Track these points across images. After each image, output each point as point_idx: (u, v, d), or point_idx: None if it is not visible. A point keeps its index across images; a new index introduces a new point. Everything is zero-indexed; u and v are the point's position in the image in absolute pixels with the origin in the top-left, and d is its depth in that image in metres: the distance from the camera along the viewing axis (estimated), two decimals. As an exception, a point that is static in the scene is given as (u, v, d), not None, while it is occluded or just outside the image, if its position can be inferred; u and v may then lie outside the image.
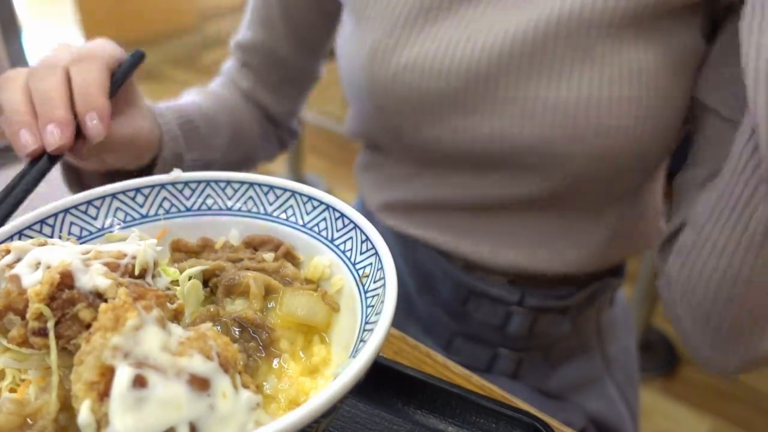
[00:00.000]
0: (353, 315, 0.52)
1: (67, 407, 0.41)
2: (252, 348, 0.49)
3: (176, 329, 0.41)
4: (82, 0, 4.17)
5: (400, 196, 0.97)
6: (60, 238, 0.56)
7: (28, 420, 0.40)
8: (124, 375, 0.36)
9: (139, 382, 0.36)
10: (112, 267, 0.45)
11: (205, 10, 5.07)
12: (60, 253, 0.44)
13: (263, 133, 1.08)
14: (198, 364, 0.38)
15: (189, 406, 0.37)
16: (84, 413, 0.35)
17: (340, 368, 0.45)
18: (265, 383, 0.48)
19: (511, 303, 0.95)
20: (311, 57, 1.08)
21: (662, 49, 0.76)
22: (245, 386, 0.41)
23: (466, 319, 0.97)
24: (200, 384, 0.38)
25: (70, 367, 0.43)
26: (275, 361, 0.50)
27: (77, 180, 0.83)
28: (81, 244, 0.54)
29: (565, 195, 0.86)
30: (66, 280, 0.42)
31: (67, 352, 0.43)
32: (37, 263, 0.44)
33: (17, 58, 1.95)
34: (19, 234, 0.54)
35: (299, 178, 3.07)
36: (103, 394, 0.36)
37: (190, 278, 0.53)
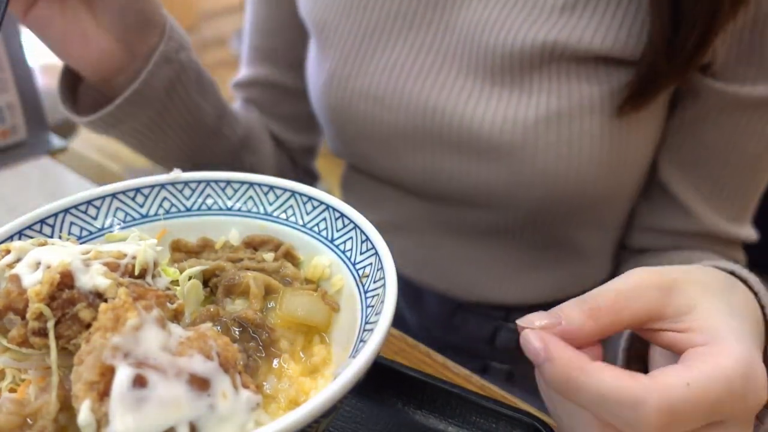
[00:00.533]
0: (353, 315, 0.52)
1: (66, 407, 0.41)
2: (252, 348, 0.49)
3: (176, 329, 0.41)
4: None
5: (375, 217, 0.95)
6: (60, 238, 0.56)
7: (28, 420, 0.40)
8: (124, 375, 0.36)
9: (139, 382, 0.36)
10: (112, 267, 0.45)
11: (204, 10, 5.06)
12: (60, 253, 0.44)
13: (277, 164, 1.05)
14: (198, 364, 0.38)
15: (189, 406, 0.37)
16: (84, 413, 0.35)
17: (339, 368, 0.45)
18: (265, 383, 0.48)
19: (498, 318, 0.95)
20: None
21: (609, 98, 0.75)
22: (245, 386, 0.41)
23: (454, 332, 0.96)
24: (200, 384, 0.38)
25: (70, 367, 0.43)
26: (275, 361, 0.50)
27: (72, 87, 0.79)
28: (81, 244, 0.54)
29: (528, 229, 0.85)
30: (66, 280, 0.42)
31: (67, 352, 0.43)
32: (37, 263, 0.44)
33: (17, 59, 1.95)
34: (19, 234, 0.54)
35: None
36: (103, 394, 0.35)
37: (190, 278, 0.53)
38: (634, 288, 0.45)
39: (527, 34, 0.73)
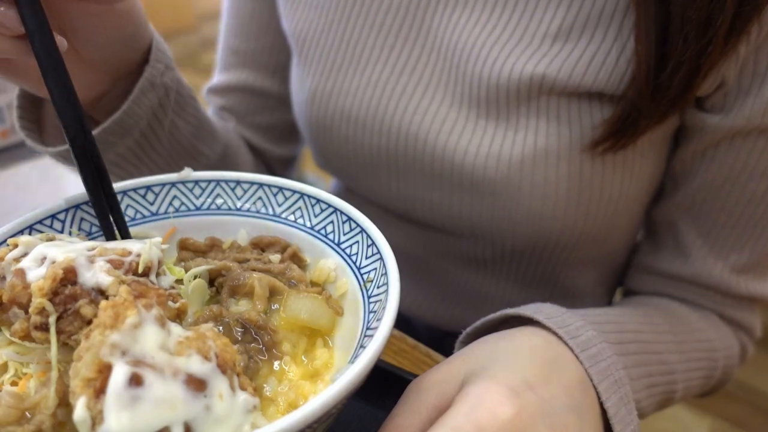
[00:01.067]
0: (356, 319, 0.52)
1: (65, 402, 0.41)
2: (254, 349, 0.49)
3: (176, 328, 0.41)
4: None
5: None
6: (70, 233, 0.57)
7: (27, 414, 0.40)
8: (120, 373, 0.36)
9: (135, 381, 0.36)
10: (116, 264, 0.45)
11: (204, 10, 5.07)
12: (65, 249, 0.45)
13: (254, 161, 0.99)
14: (196, 364, 0.38)
15: (184, 406, 0.37)
16: (79, 409, 0.35)
17: (338, 373, 0.45)
18: (265, 385, 0.48)
19: None
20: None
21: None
22: (242, 388, 0.41)
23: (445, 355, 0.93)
24: (197, 384, 0.38)
25: (70, 362, 0.44)
26: (276, 364, 0.50)
27: (33, 109, 0.70)
28: (89, 240, 0.55)
29: (515, 263, 0.82)
30: (69, 276, 0.43)
31: (69, 347, 0.44)
32: (43, 258, 0.44)
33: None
34: (30, 228, 0.54)
35: (300, 178, 3.06)
36: (99, 391, 0.36)
37: (195, 277, 0.53)
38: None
39: (515, 64, 0.68)
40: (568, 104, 0.68)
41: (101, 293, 0.43)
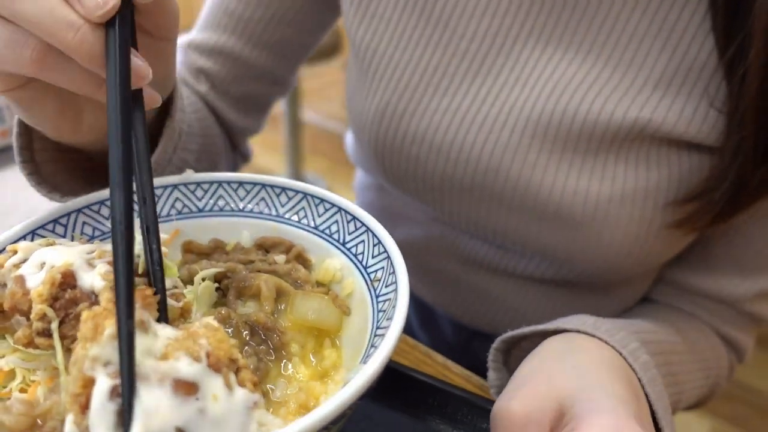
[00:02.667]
0: (364, 319, 0.52)
1: None
2: (262, 351, 0.49)
3: (165, 330, 0.40)
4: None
5: (399, 233, 0.91)
6: (72, 238, 0.56)
7: (38, 421, 0.40)
8: (102, 386, 0.35)
9: (117, 393, 0.35)
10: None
11: None
12: (64, 253, 0.44)
13: (224, 146, 0.92)
14: (184, 367, 0.37)
15: (174, 412, 0.35)
16: (68, 427, 0.35)
17: (350, 374, 0.45)
18: (273, 387, 0.47)
19: None
20: (289, 68, 0.94)
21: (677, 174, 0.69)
22: (241, 384, 0.39)
23: (470, 358, 0.90)
24: (186, 388, 0.36)
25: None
26: (285, 365, 0.49)
27: (28, 145, 0.62)
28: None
29: (573, 278, 0.82)
30: (68, 280, 0.42)
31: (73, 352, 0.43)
32: (42, 263, 0.44)
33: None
34: (32, 233, 0.54)
35: (299, 178, 3.06)
36: (84, 407, 0.35)
37: (204, 280, 0.53)
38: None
39: (616, 108, 0.66)
40: (668, 152, 0.68)
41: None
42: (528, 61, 0.71)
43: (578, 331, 0.59)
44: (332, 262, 0.57)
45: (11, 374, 0.45)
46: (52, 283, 0.41)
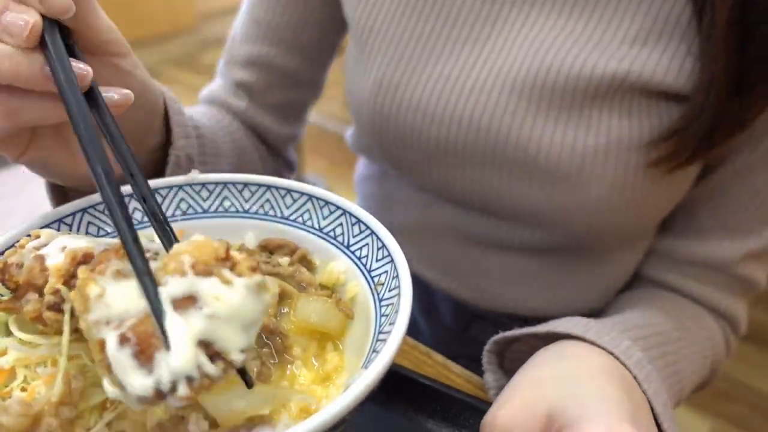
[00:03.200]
0: (367, 323, 0.51)
1: (69, 401, 0.41)
2: (265, 354, 0.49)
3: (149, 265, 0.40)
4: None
5: (400, 219, 0.94)
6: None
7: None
8: (111, 342, 0.36)
9: (124, 341, 0.36)
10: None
11: (205, 10, 5.06)
12: (86, 241, 0.45)
13: (263, 162, 0.97)
14: (174, 287, 0.37)
15: (188, 327, 0.36)
16: (108, 389, 0.37)
17: (352, 379, 0.45)
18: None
19: (516, 327, 0.93)
20: (320, 68, 0.98)
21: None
22: (239, 275, 0.39)
23: (469, 342, 0.93)
24: (186, 303, 0.37)
25: (79, 357, 0.44)
26: (288, 368, 0.49)
27: (61, 192, 0.69)
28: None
29: (570, 245, 0.83)
30: (87, 260, 0.43)
31: (80, 335, 0.43)
32: (64, 247, 0.45)
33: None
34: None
35: (299, 178, 3.05)
36: (109, 367, 0.36)
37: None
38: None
39: (597, 62, 0.69)
40: (647, 102, 0.70)
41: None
42: (514, 24, 0.74)
43: (569, 335, 0.59)
44: (336, 265, 0.57)
45: (12, 374, 0.45)
46: (72, 257, 0.42)
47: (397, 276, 0.49)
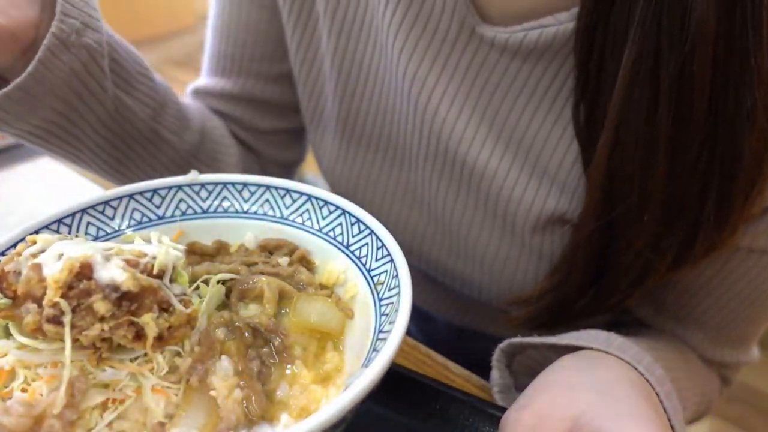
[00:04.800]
0: (367, 322, 0.51)
1: (73, 403, 0.41)
2: (265, 354, 0.49)
3: None
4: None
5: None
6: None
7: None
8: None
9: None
10: (132, 264, 0.45)
11: (204, 10, 5.05)
12: (83, 247, 0.45)
13: (238, 151, 0.91)
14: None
15: None
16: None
17: (351, 378, 0.45)
18: (277, 391, 0.47)
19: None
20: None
21: None
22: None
23: (464, 349, 0.91)
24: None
25: (80, 360, 0.44)
26: (288, 368, 0.49)
27: None
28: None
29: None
30: (85, 271, 0.43)
31: (79, 344, 0.44)
32: (60, 255, 0.44)
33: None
34: (37, 234, 0.54)
35: (300, 178, 3.05)
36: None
37: (219, 282, 0.53)
38: None
39: (535, 200, 0.69)
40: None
41: (115, 290, 0.43)
42: (468, 151, 0.71)
43: (591, 348, 0.58)
44: (335, 264, 0.57)
45: (12, 374, 0.45)
46: (70, 270, 0.42)
47: (397, 275, 0.49)
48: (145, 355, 0.46)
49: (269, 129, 0.91)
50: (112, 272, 0.43)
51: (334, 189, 0.84)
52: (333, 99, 0.79)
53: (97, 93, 0.64)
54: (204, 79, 0.89)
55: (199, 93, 0.89)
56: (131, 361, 0.46)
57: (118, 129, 0.69)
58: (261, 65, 0.85)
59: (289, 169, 1.00)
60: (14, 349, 0.46)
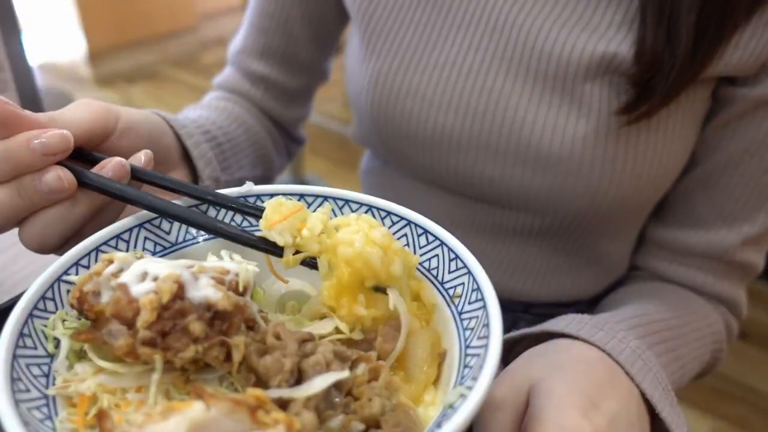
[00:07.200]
0: (445, 334, 0.51)
1: None
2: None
3: None
4: (83, 0, 4.11)
5: None
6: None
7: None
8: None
9: None
10: (218, 282, 0.43)
11: (205, 10, 5.03)
12: (167, 266, 0.43)
13: (276, 146, 1.02)
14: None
15: None
16: None
17: (451, 396, 0.44)
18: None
19: (517, 311, 0.94)
20: (327, 55, 1.03)
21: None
22: None
23: None
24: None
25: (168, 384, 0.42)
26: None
27: None
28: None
29: (565, 231, 0.85)
30: (178, 292, 0.41)
31: (170, 365, 0.42)
32: (144, 274, 0.43)
33: (17, 58, 1.90)
34: (96, 250, 0.52)
35: (300, 179, 3.04)
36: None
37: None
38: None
39: (586, 44, 0.72)
40: (628, 83, 0.72)
41: (208, 309, 0.42)
42: (502, 9, 0.76)
43: (562, 334, 0.61)
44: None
45: (94, 399, 0.43)
46: (170, 291, 0.40)
47: (479, 288, 0.49)
48: (229, 374, 0.45)
49: (292, 88, 1.00)
50: (206, 291, 0.42)
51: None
52: None
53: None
54: (244, 39, 0.98)
55: (244, 53, 0.97)
56: (219, 382, 0.44)
57: None
58: (295, 25, 0.95)
59: (295, 126, 1.07)
60: (92, 374, 0.44)
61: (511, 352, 0.67)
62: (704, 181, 0.79)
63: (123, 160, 0.54)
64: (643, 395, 0.57)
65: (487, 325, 0.45)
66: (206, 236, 0.57)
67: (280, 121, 1.02)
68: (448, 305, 0.52)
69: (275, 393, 0.40)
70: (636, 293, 0.83)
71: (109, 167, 0.53)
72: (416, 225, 0.56)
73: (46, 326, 0.46)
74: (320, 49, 1.00)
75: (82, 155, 0.56)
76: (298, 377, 0.43)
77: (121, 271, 0.44)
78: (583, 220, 0.82)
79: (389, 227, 0.57)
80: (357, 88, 0.88)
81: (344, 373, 0.43)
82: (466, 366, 0.46)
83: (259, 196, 0.59)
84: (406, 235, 0.57)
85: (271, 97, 0.99)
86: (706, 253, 0.81)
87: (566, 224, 0.83)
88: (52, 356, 0.45)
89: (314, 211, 0.56)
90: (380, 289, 0.51)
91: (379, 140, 0.88)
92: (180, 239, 0.57)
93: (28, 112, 0.52)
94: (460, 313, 0.50)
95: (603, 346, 0.58)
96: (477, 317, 0.48)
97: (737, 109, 0.74)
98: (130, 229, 0.54)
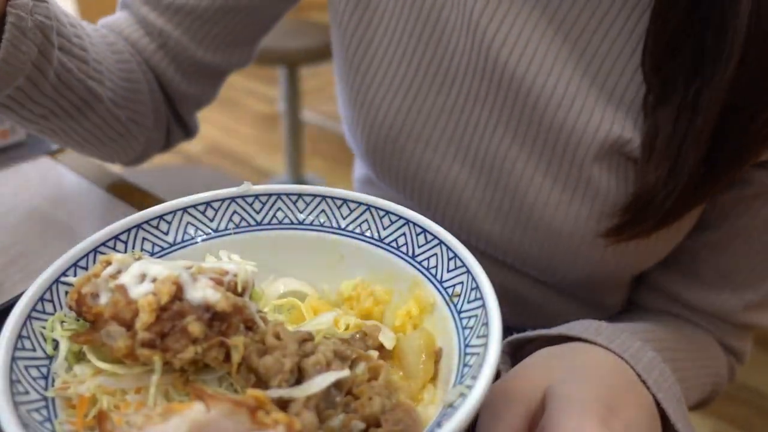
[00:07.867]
0: (444, 334, 0.51)
1: None
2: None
3: None
4: (83, 0, 4.10)
5: None
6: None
7: None
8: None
9: None
10: (217, 282, 0.43)
11: None
12: (165, 267, 0.43)
13: (154, 114, 0.85)
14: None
15: None
16: None
17: (451, 395, 0.44)
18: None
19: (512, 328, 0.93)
20: (262, 34, 0.89)
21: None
22: None
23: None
24: None
25: (168, 386, 0.42)
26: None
27: None
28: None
29: (557, 284, 0.83)
30: (177, 293, 0.41)
31: (169, 366, 0.42)
32: (142, 275, 0.42)
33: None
34: (94, 251, 0.52)
35: (299, 179, 3.04)
36: None
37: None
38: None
39: (601, 123, 0.67)
40: (634, 169, 0.69)
41: (207, 310, 0.42)
42: (518, 62, 0.69)
43: (580, 339, 0.59)
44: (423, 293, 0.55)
45: (93, 401, 0.43)
46: (168, 293, 0.40)
47: (477, 287, 0.49)
48: (229, 374, 0.45)
49: (195, 58, 0.83)
50: (204, 292, 0.42)
51: (372, 131, 0.79)
52: None
53: (46, 69, 0.64)
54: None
55: (146, 2, 0.82)
56: (219, 382, 0.44)
57: (61, 93, 0.68)
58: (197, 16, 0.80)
59: (189, 108, 0.91)
60: (91, 375, 0.44)
61: (522, 350, 0.66)
62: (712, 245, 0.76)
63: None
64: (657, 405, 0.56)
65: (486, 324, 0.45)
66: (204, 237, 0.58)
67: (169, 90, 0.86)
68: (447, 304, 0.52)
69: (275, 393, 0.41)
70: (647, 316, 0.81)
71: None
72: (415, 224, 0.56)
73: (44, 328, 0.46)
74: (248, 26, 0.84)
75: None
76: (298, 377, 0.43)
77: (119, 272, 0.44)
78: (582, 282, 0.80)
79: (388, 226, 0.57)
80: (355, 141, 0.83)
81: (344, 372, 0.43)
82: (465, 365, 0.46)
83: (257, 197, 0.59)
84: (404, 234, 0.56)
85: (165, 56, 0.82)
86: (708, 312, 0.79)
87: (564, 284, 0.81)
88: (51, 358, 0.45)
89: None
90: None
91: (372, 170, 0.84)
92: (178, 240, 0.57)
93: None
94: (459, 312, 0.50)
95: (621, 353, 0.57)
96: (476, 316, 0.48)
97: (753, 190, 0.70)
98: (128, 230, 0.54)
